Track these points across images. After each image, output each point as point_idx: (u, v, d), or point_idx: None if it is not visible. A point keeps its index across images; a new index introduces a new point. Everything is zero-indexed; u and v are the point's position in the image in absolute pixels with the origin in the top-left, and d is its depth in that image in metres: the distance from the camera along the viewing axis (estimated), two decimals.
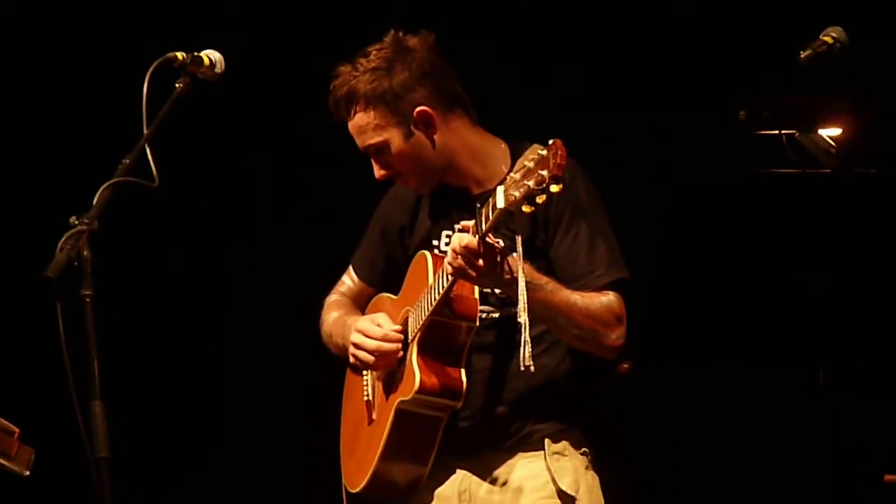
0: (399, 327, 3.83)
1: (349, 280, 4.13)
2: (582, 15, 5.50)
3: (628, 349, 3.73)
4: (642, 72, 5.43)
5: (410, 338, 3.77)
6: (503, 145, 3.84)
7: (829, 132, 4.46)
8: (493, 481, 3.77)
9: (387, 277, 4.01)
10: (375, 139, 3.79)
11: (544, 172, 3.32)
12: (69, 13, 5.73)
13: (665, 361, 4.82)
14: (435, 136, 3.79)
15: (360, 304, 4.07)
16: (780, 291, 4.45)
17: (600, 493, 3.81)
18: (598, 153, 5.35)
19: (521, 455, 3.76)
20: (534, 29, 5.57)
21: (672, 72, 5.39)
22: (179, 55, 3.61)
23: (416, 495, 3.82)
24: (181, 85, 3.60)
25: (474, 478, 3.79)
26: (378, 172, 3.85)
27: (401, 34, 3.81)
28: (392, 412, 3.74)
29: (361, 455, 3.88)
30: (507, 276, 3.53)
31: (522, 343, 3.49)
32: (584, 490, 3.76)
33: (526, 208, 3.37)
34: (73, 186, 3.64)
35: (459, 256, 3.51)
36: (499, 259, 3.52)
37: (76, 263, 3.23)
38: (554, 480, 3.73)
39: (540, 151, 3.36)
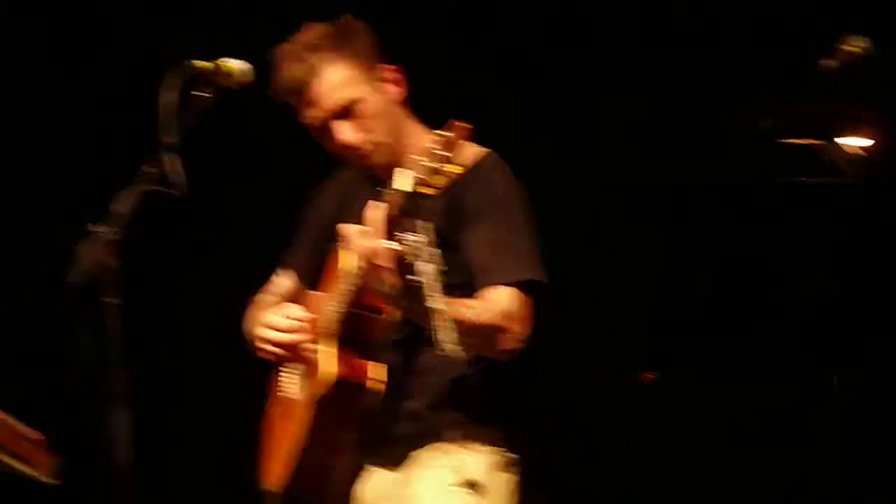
0: (309, 316, 3.67)
1: (281, 279, 3.98)
2: (603, 13, 5.52)
3: (651, 359, 3.70)
4: (660, 74, 5.44)
5: (330, 329, 3.62)
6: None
7: (852, 141, 4.46)
8: (402, 475, 3.63)
9: (319, 274, 3.83)
10: (351, 94, 3.61)
11: (447, 154, 3.15)
12: (90, 16, 5.75)
13: (676, 368, 4.81)
14: (401, 101, 3.67)
15: (293, 302, 3.86)
16: (795, 296, 4.44)
17: (514, 495, 3.64)
18: (607, 156, 5.44)
19: (430, 447, 3.61)
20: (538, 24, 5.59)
21: (693, 75, 5.40)
22: (203, 64, 3.56)
23: (332, 495, 3.67)
24: (204, 95, 3.52)
25: (387, 474, 3.66)
26: (346, 136, 3.62)
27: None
28: (312, 405, 3.59)
29: (281, 453, 3.72)
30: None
31: (434, 328, 3.15)
32: (496, 485, 3.61)
33: (428, 190, 3.18)
34: (91, 192, 3.65)
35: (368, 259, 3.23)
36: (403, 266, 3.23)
37: (102, 271, 3.25)
38: (461, 471, 3.56)
39: (442, 132, 3.19)
